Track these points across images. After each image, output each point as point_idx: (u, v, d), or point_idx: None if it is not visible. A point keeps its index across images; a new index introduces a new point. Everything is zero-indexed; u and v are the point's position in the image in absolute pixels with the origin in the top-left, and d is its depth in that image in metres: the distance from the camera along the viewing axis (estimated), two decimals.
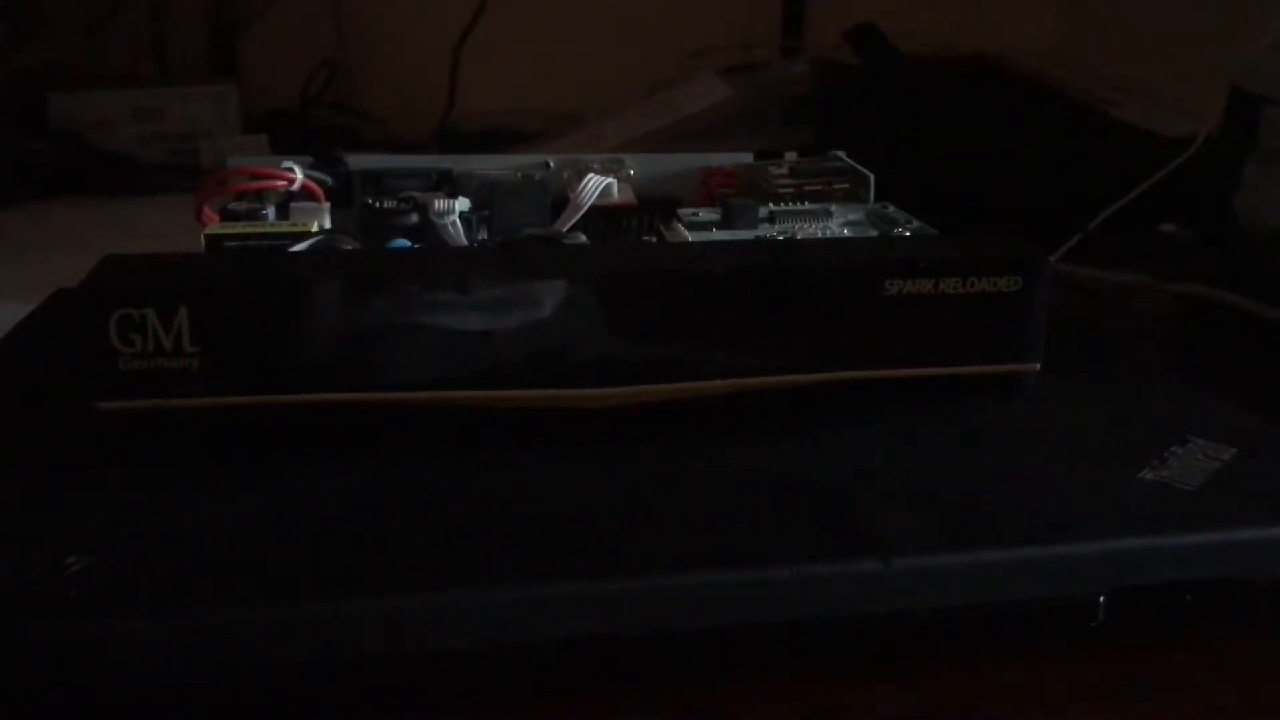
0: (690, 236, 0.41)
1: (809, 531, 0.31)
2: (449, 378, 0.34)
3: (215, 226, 0.40)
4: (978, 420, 0.37)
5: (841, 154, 0.50)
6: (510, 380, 0.34)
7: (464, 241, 0.42)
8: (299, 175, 0.44)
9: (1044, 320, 0.36)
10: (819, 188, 0.46)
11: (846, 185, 0.46)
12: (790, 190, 0.46)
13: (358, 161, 0.48)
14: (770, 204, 0.43)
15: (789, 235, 0.41)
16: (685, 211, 0.43)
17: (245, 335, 0.33)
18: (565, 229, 0.44)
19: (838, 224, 0.42)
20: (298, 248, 0.36)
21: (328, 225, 0.43)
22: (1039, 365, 0.36)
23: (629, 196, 0.47)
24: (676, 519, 0.32)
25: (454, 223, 0.42)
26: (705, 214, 0.42)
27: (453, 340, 0.33)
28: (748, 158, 0.50)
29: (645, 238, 0.43)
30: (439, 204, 0.42)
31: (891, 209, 0.43)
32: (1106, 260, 0.66)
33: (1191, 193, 0.69)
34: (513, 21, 0.96)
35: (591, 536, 0.31)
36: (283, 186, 0.44)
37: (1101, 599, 0.31)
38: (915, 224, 0.41)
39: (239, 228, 0.40)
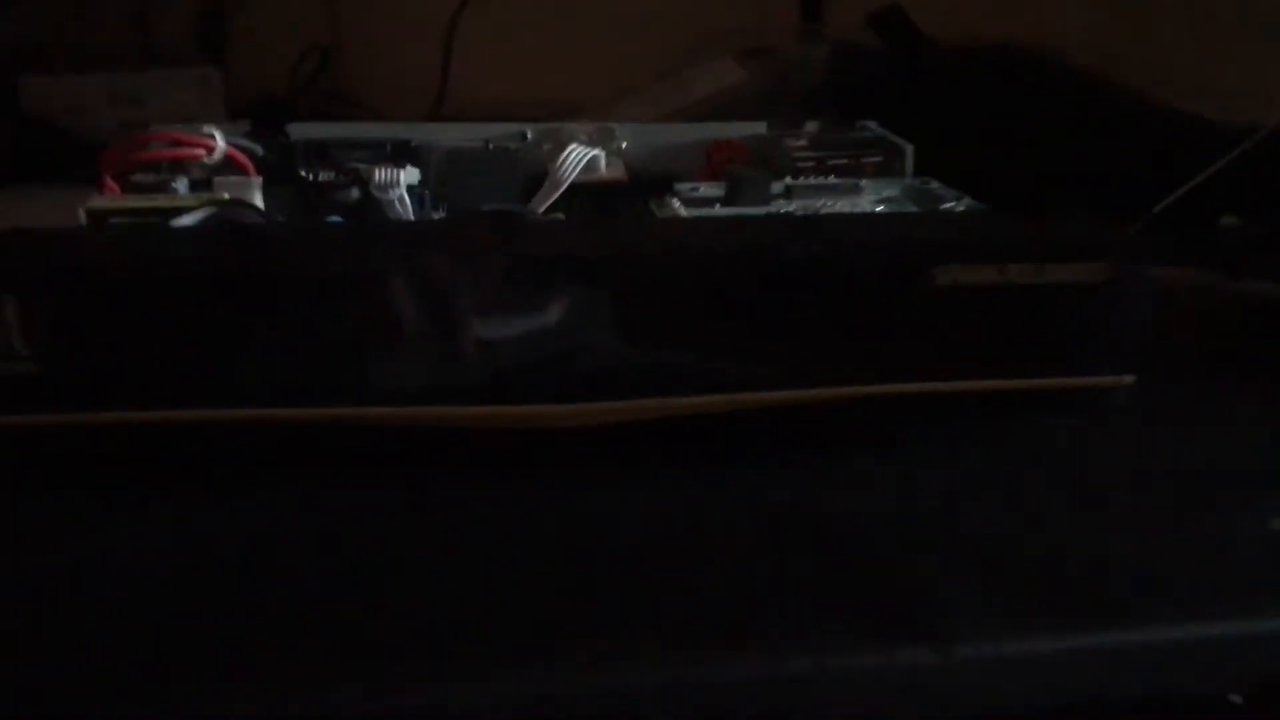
0: (687, 214, 0.32)
1: (837, 604, 0.22)
2: (368, 389, 0.25)
3: (99, 200, 0.31)
4: (1055, 449, 0.27)
5: (871, 123, 0.41)
6: (456, 393, 0.25)
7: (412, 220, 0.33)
8: (219, 142, 0.35)
9: (1142, 320, 0.26)
10: (845, 161, 0.37)
11: (878, 159, 0.37)
12: (811, 165, 0.37)
13: (301, 130, 0.39)
14: (787, 178, 0.34)
15: (810, 213, 0.31)
16: (683, 186, 0.34)
17: (96, 334, 0.24)
18: (542, 208, 0.35)
19: (870, 200, 0.33)
20: (179, 221, 0.28)
21: (258, 202, 0.35)
22: (1133, 378, 0.27)
23: (619, 172, 0.38)
24: (660, 586, 0.23)
25: (401, 198, 0.33)
26: (707, 189, 0.33)
27: (373, 342, 0.25)
28: (761, 128, 0.41)
29: None
30: (381, 175, 0.33)
31: (935, 185, 0.34)
32: (1161, 257, 0.57)
33: (1255, 184, 0.60)
34: (512, 3, 0.87)
35: (555, 610, 0.22)
36: (200, 155, 0.35)
37: (1237, 699, 0.22)
38: (966, 201, 0.32)
39: (129, 201, 0.31)
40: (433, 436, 0.26)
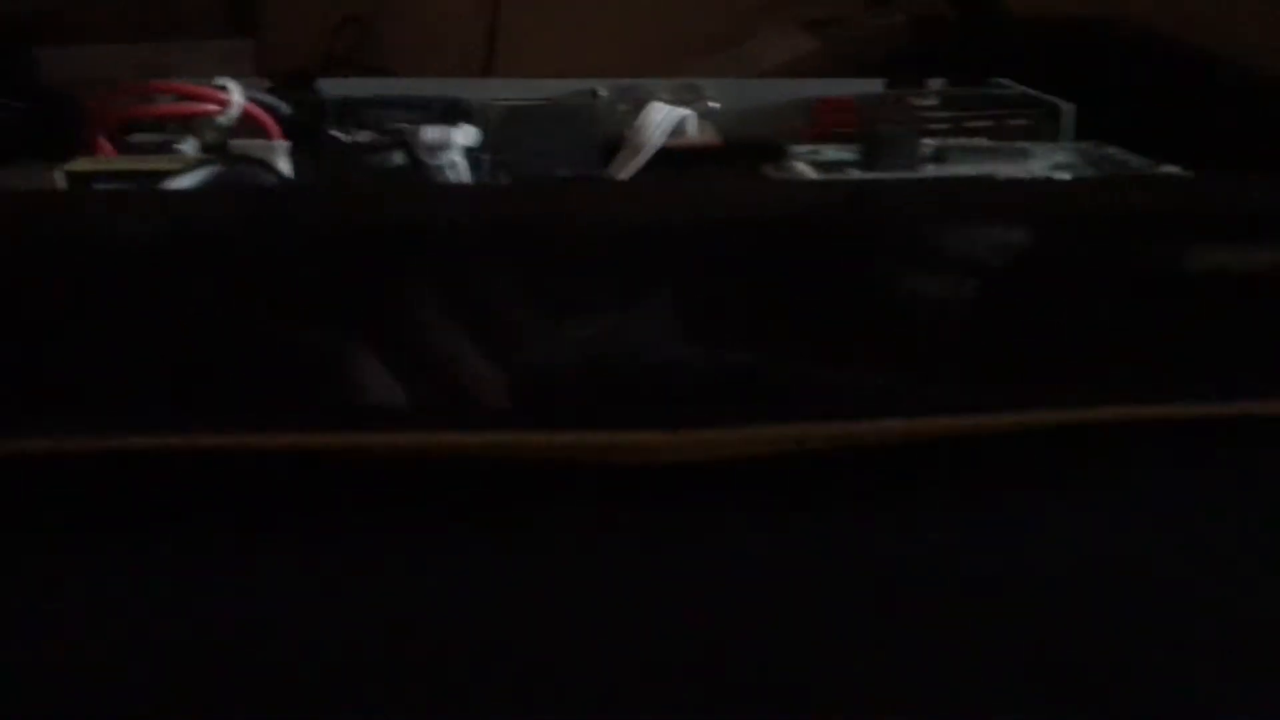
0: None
1: (1056, 707, 0.15)
2: (400, 409, 0.18)
3: (83, 161, 0.24)
4: None
5: (1006, 80, 0.34)
6: (494, 417, 0.19)
7: None
8: (236, 97, 0.29)
9: None
10: (987, 123, 0.30)
11: (1025, 121, 0.30)
12: (946, 127, 0.30)
13: (333, 87, 0.33)
14: (932, 139, 0.27)
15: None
16: (801, 149, 0.27)
17: (52, 331, 0.17)
18: (622, 176, 0.28)
19: (1043, 167, 0.25)
20: (174, 182, 0.21)
21: (283, 168, 0.28)
22: None
23: (710, 135, 0.32)
24: (805, 680, 0.16)
25: (453, 163, 0.26)
26: (834, 152, 0.26)
27: (403, 345, 0.18)
28: (876, 86, 0.34)
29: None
30: (430, 134, 0.26)
31: (1113, 150, 0.27)
32: None
33: None
34: None
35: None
36: (212, 112, 0.29)
37: None
38: (1165, 170, 0.25)
39: (120, 163, 0.25)
40: (486, 471, 0.19)
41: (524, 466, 0.19)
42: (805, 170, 0.25)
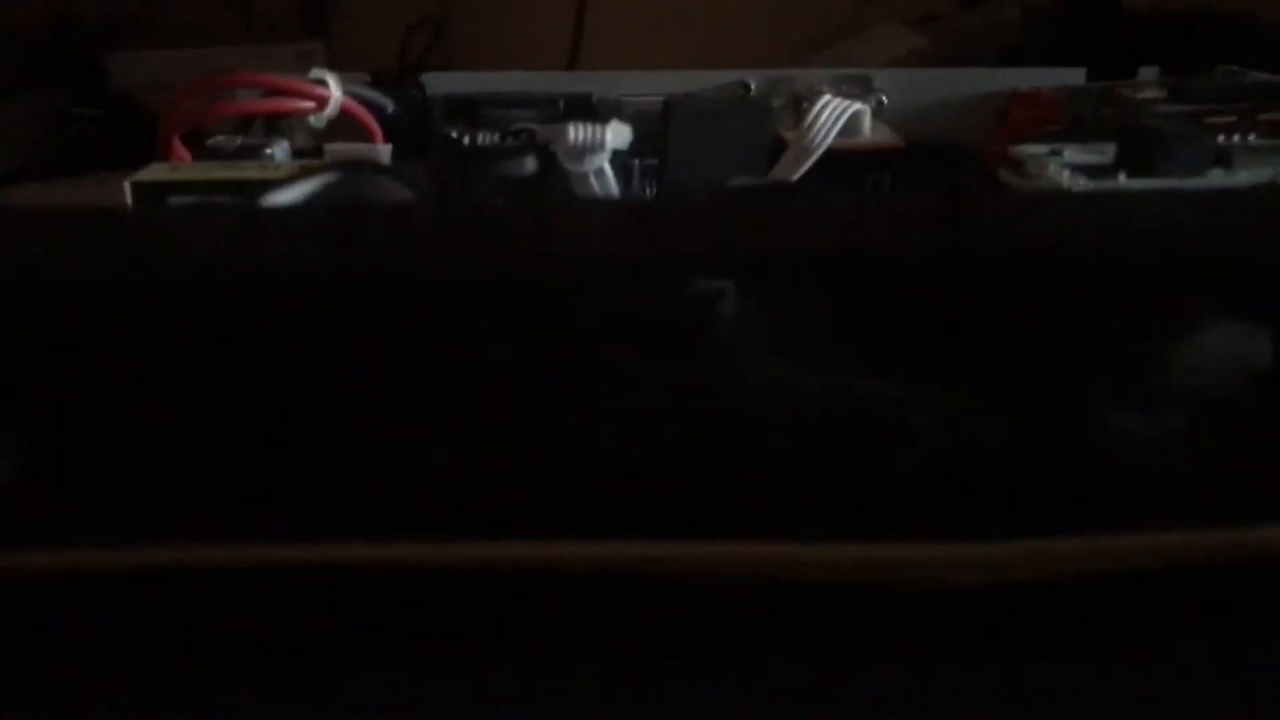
0: (1077, 188, 0.19)
1: None
2: (603, 510, 0.13)
3: (155, 169, 0.19)
4: None
5: (1234, 67, 0.28)
6: (768, 518, 0.13)
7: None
8: (334, 92, 0.24)
9: None
10: (1231, 118, 0.24)
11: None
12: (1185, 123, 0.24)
13: (439, 83, 0.27)
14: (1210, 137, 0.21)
15: None
16: (1034, 149, 0.21)
17: (116, 404, 0.12)
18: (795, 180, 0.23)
19: None
20: (276, 197, 0.16)
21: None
22: None
23: (886, 135, 0.26)
24: None
25: (600, 170, 0.21)
26: (1077, 153, 0.21)
27: (618, 424, 0.13)
28: (1078, 77, 0.28)
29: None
30: (576, 135, 0.21)
31: None
32: None
33: None
34: None
35: None
36: (306, 110, 0.24)
37: None
38: None
39: (198, 171, 0.19)
40: (714, 594, 0.13)
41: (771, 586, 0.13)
42: (1063, 177, 0.19)
